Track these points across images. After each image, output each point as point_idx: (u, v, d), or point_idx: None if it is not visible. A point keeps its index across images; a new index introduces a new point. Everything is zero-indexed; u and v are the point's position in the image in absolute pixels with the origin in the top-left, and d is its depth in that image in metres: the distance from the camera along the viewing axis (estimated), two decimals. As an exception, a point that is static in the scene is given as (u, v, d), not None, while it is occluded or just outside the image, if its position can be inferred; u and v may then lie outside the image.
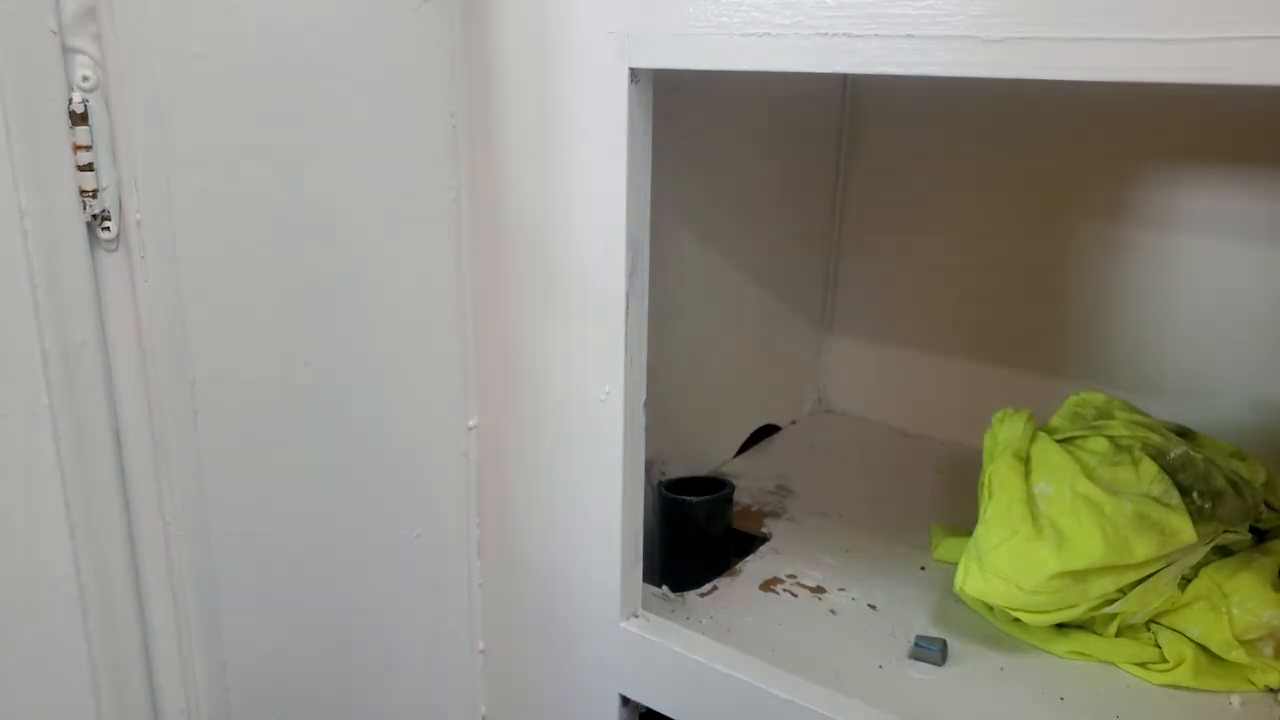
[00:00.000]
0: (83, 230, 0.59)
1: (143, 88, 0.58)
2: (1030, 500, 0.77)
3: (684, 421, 1.05)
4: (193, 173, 0.62)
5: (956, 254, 1.16)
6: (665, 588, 0.86)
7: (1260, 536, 0.81)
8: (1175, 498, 0.76)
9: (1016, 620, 0.78)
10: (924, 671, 0.76)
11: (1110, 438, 0.81)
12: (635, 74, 0.66)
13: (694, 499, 0.91)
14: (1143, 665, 0.76)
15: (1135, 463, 0.78)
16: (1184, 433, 0.85)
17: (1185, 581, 0.77)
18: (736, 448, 1.17)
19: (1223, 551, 0.79)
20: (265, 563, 0.73)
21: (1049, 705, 0.72)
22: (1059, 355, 1.11)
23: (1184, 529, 0.74)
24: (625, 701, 0.83)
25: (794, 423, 1.26)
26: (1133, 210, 1.03)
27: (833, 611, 0.84)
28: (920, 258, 1.19)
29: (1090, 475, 0.77)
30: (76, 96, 0.57)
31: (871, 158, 1.20)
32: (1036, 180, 1.09)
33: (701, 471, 1.07)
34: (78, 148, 0.58)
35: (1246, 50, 0.46)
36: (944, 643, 0.77)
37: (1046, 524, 0.75)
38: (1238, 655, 0.73)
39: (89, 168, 0.58)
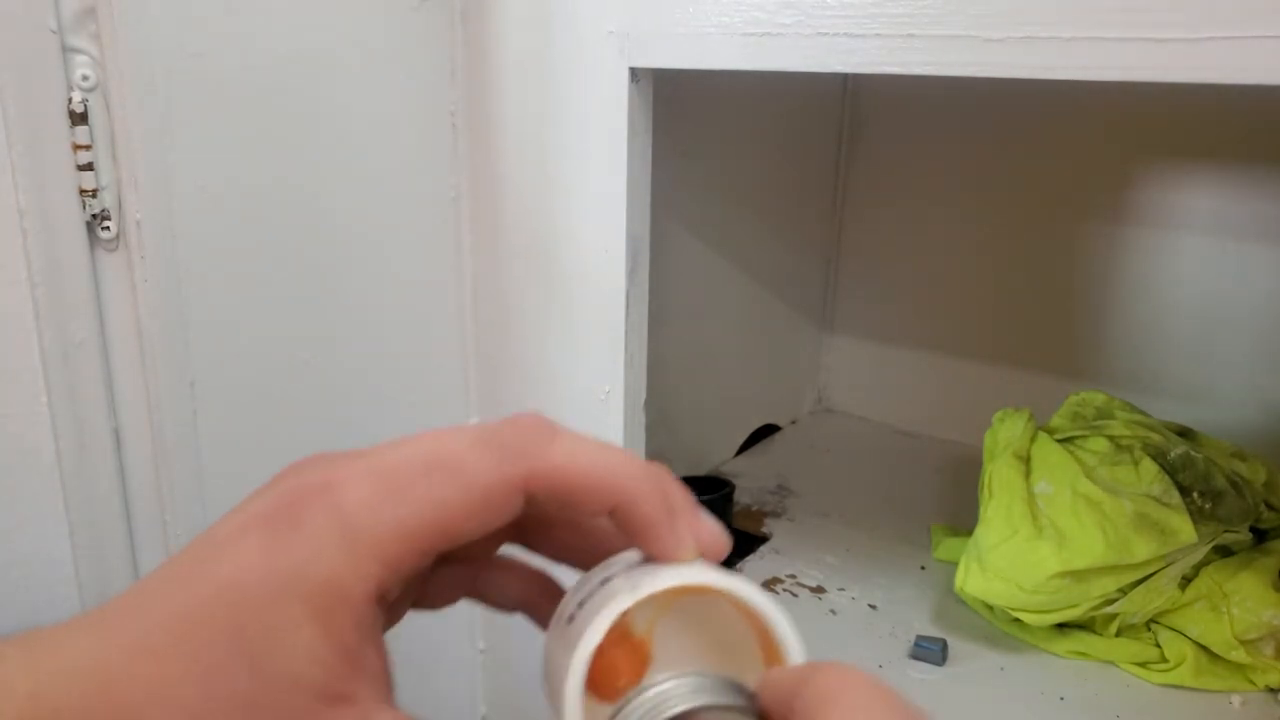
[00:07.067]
0: (82, 230, 0.59)
1: (143, 88, 0.58)
2: (1030, 500, 0.77)
3: (684, 421, 1.05)
4: (193, 172, 0.62)
5: (957, 254, 1.16)
6: (665, 588, 0.86)
7: (1260, 536, 0.81)
8: (1175, 498, 0.76)
9: (1016, 620, 0.78)
10: (924, 671, 0.76)
11: (1110, 437, 0.81)
12: (635, 74, 0.66)
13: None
14: (1143, 665, 0.76)
15: (1135, 462, 0.78)
16: (1184, 433, 0.85)
17: (1185, 581, 0.77)
18: (736, 447, 1.17)
19: (1223, 551, 0.79)
20: (265, 563, 0.73)
21: (1049, 705, 0.72)
22: (1059, 355, 1.11)
23: (1184, 529, 0.74)
24: (625, 701, 0.82)
25: (794, 423, 1.26)
26: (1133, 210, 1.03)
27: (833, 611, 0.84)
28: (920, 258, 1.19)
29: (1090, 475, 0.77)
30: (76, 96, 0.57)
31: (871, 158, 1.20)
32: (1037, 180, 1.09)
33: (701, 471, 1.07)
34: (77, 147, 0.58)
35: (1247, 50, 0.46)
36: (944, 643, 0.77)
37: (1047, 524, 0.75)
38: (1238, 655, 0.73)
39: (89, 167, 0.58)
